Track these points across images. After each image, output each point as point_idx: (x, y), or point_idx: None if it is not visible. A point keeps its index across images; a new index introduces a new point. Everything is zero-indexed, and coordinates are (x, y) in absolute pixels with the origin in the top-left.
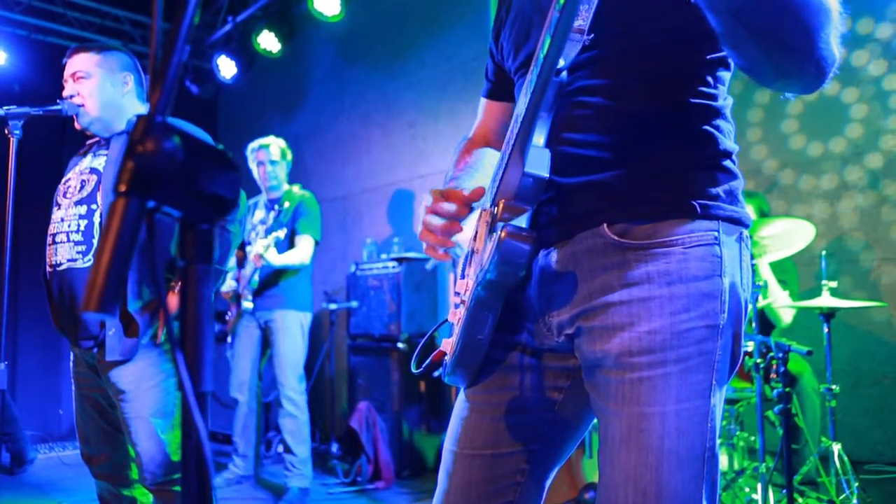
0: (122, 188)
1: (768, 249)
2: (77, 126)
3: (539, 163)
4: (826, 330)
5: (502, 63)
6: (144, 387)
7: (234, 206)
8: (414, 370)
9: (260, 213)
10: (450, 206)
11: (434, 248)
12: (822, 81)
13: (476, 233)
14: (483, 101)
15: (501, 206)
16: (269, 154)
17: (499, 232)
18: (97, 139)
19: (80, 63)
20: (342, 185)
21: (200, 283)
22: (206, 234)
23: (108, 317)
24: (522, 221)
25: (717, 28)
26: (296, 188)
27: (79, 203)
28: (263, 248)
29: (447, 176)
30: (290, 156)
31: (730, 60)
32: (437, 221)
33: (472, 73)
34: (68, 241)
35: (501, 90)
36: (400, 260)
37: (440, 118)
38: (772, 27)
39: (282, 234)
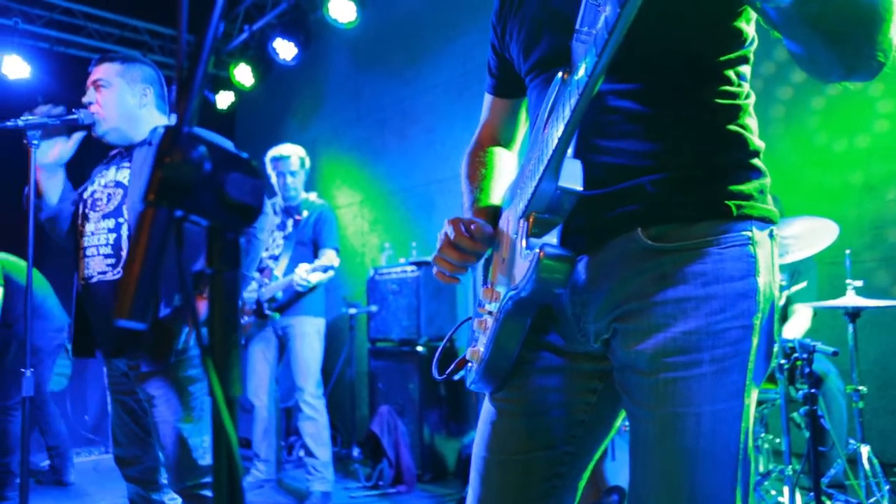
0: (151, 198)
1: (791, 249)
2: (93, 134)
3: (573, 176)
4: (851, 330)
5: (504, 53)
6: (173, 392)
7: (260, 213)
8: (436, 377)
9: (276, 219)
10: (469, 246)
11: (444, 273)
12: (881, 70)
13: (498, 239)
14: (488, 97)
15: (532, 219)
16: (288, 165)
17: (536, 252)
18: (118, 150)
19: (102, 72)
20: (359, 190)
21: (228, 290)
22: (233, 242)
23: (140, 325)
24: (553, 234)
25: (793, 38)
26: (313, 196)
27: (106, 216)
28: (306, 273)
29: (463, 190)
30: (307, 163)
31: (751, 55)
32: (454, 255)
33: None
34: (98, 254)
35: (506, 86)
36: (419, 264)
37: (456, 122)
38: (847, 32)
39: (324, 261)
